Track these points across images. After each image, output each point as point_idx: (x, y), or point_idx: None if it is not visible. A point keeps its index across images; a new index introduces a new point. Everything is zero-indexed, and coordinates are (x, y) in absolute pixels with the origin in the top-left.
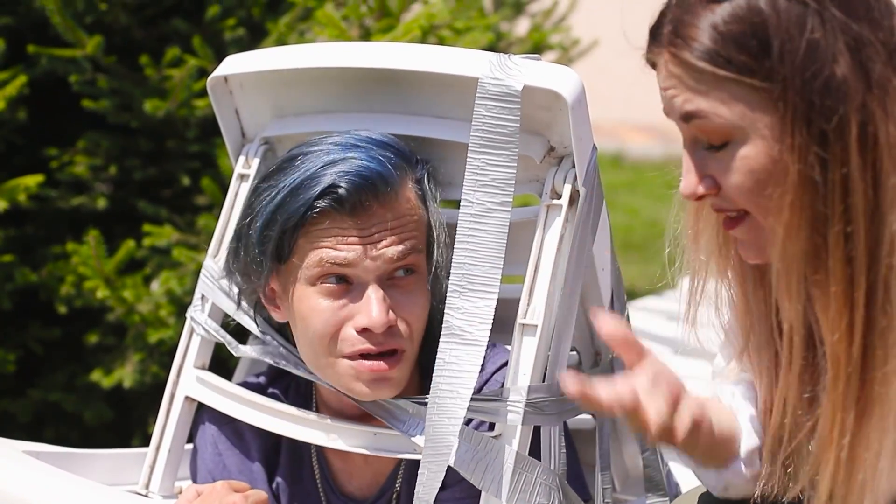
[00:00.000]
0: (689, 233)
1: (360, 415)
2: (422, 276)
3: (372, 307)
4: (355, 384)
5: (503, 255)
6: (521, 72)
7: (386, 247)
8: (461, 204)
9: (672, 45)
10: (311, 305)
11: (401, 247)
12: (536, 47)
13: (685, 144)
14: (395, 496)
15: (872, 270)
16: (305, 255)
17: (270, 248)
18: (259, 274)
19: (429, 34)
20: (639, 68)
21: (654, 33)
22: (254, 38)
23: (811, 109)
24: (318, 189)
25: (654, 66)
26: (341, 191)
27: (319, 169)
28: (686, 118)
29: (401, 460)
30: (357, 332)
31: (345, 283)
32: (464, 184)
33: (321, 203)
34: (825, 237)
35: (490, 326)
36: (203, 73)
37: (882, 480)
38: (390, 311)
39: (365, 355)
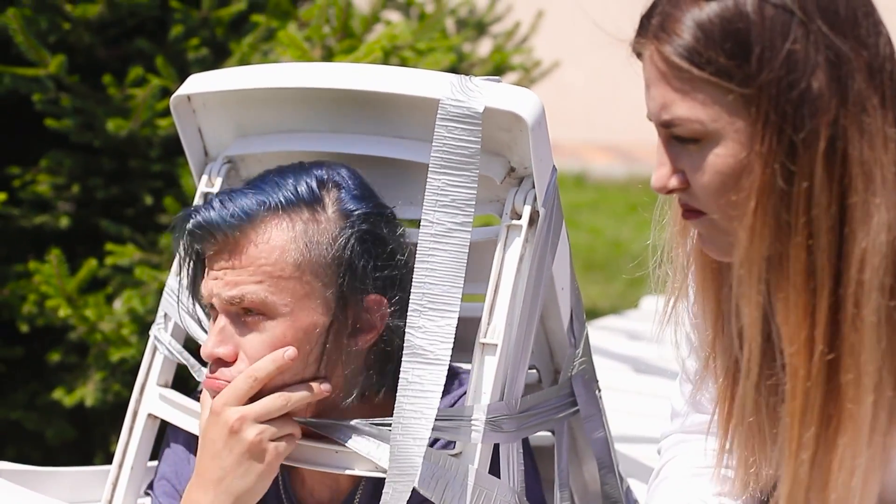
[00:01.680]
0: (677, 228)
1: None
2: (274, 317)
3: (209, 337)
4: None
5: (463, 275)
6: (482, 93)
7: (223, 287)
8: (421, 224)
9: (656, 37)
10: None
11: (235, 291)
12: (498, 68)
13: (660, 137)
14: None
15: (839, 286)
16: None
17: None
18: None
19: (391, 55)
20: (602, 89)
21: (643, 23)
22: (217, 58)
23: (783, 119)
24: (185, 230)
25: (639, 56)
26: (192, 236)
27: (192, 210)
28: (664, 125)
29: (360, 478)
30: None
31: (216, 311)
32: (424, 204)
33: (189, 239)
34: (787, 247)
35: (451, 345)
36: (166, 93)
37: (856, 500)
38: (223, 344)
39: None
